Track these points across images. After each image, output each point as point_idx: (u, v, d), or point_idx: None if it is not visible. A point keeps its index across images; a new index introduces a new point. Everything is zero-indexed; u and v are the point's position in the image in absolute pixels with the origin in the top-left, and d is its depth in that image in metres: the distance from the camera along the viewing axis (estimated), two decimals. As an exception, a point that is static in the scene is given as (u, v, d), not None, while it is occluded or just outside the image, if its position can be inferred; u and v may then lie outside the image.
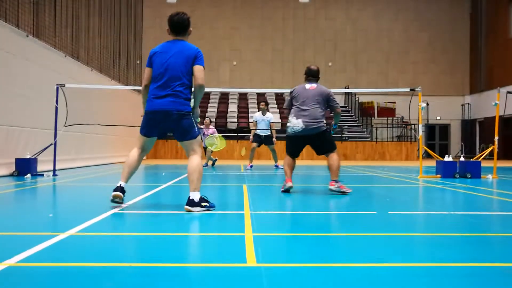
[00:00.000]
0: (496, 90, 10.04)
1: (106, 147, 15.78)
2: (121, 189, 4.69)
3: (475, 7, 29.63)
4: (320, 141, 6.47)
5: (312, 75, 6.70)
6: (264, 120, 12.77)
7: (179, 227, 3.95)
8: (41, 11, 11.89)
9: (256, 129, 12.77)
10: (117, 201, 4.69)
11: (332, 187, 6.35)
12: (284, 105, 6.84)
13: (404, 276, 2.45)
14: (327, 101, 6.56)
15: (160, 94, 4.63)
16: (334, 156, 6.50)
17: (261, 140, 12.78)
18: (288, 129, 6.48)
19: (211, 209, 4.61)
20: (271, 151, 12.94)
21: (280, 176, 10.82)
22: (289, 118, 6.51)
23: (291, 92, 6.68)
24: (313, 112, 6.36)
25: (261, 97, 28.66)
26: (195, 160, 4.64)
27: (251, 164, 12.81)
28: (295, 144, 6.55)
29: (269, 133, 12.77)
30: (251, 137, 12.91)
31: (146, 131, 4.81)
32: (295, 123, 6.35)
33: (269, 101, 28.07)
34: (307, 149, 7.09)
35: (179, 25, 5.04)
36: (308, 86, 6.60)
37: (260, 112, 12.91)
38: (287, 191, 6.47)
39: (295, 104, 6.48)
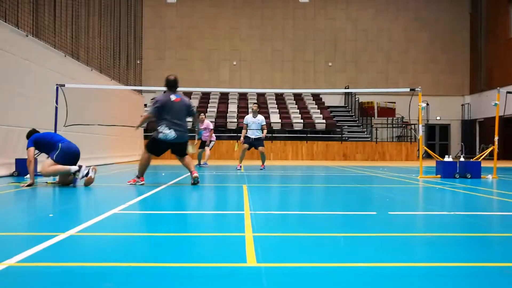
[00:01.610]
0: (496, 90, 10.04)
1: (106, 147, 15.78)
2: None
3: (475, 7, 29.63)
4: (182, 147, 7.53)
5: (172, 86, 7.47)
6: (254, 123, 12.57)
7: (179, 227, 3.95)
8: (41, 11, 11.89)
9: (246, 132, 12.62)
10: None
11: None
12: (149, 111, 7.53)
13: (404, 276, 2.45)
14: (188, 111, 7.58)
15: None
16: (187, 160, 7.62)
17: (250, 142, 12.60)
18: (159, 135, 7.32)
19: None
20: (260, 153, 12.82)
21: (278, 176, 10.83)
22: (160, 127, 7.31)
23: (156, 101, 7.38)
24: (183, 124, 7.44)
25: (261, 97, 28.68)
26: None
27: (240, 164, 12.72)
28: (161, 148, 7.49)
29: (260, 135, 12.59)
30: (241, 138, 12.75)
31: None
32: (168, 133, 7.28)
33: (269, 101, 28.11)
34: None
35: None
36: (173, 97, 7.38)
37: (251, 114, 12.71)
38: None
39: (166, 116, 7.28)
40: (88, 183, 6.99)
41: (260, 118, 12.63)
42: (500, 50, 27.37)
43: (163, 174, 10.89)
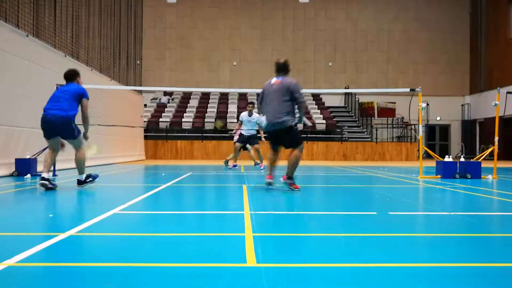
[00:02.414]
0: (496, 90, 10.04)
1: (106, 147, 15.77)
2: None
3: (475, 7, 29.63)
4: (284, 136, 6.56)
5: (277, 69, 6.69)
6: (250, 122, 12.74)
7: (179, 227, 3.95)
8: (41, 11, 11.89)
9: (241, 129, 12.76)
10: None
11: (283, 180, 6.89)
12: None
13: (404, 276, 2.45)
14: (290, 93, 6.46)
15: None
16: (294, 152, 6.59)
17: (244, 140, 12.76)
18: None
19: (95, 179, 6.94)
20: (255, 150, 12.88)
21: (278, 176, 10.81)
22: None
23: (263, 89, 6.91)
24: (276, 108, 6.43)
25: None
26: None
27: (235, 163, 12.87)
28: (270, 138, 6.85)
29: (254, 133, 12.76)
30: (236, 137, 12.87)
31: None
32: (263, 121, 6.73)
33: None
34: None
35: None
36: (273, 80, 6.64)
37: (247, 112, 12.87)
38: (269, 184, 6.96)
39: (264, 102, 6.68)
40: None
41: (255, 117, 12.75)
42: (500, 50, 27.37)
43: (163, 174, 10.89)
